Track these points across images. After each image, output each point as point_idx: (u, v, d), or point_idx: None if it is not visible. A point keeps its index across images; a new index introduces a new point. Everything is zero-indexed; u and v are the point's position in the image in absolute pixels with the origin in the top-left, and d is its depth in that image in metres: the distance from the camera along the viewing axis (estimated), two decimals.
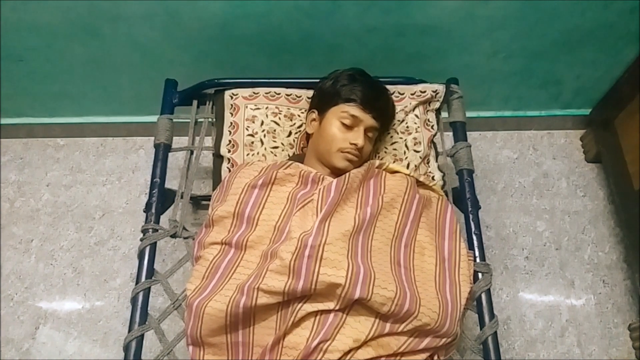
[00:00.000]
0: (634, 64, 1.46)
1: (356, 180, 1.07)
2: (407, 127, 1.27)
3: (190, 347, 0.99)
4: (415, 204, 1.09)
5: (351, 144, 1.10)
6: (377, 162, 1.14)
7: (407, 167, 1.24)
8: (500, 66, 1.49)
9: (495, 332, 1.06)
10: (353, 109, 1.10)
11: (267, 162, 1.17)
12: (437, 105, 1.31)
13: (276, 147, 1.25)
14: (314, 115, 1.17)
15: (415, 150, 1.26)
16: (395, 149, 1.25)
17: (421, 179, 1.18)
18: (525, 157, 1.75)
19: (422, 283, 1.00)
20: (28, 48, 1.42)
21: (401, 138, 1.26)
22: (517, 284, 1.56)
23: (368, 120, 1.11)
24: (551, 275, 1.57)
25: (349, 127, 1.11)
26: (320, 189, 1.04)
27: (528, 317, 1.51)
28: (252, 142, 1.25)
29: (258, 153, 1.24)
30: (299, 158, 1.21)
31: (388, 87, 1.27)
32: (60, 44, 1.41)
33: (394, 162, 1.24)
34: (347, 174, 1.06)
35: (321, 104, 1.16)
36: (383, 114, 1.15)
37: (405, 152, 1.25)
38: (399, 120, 1.26)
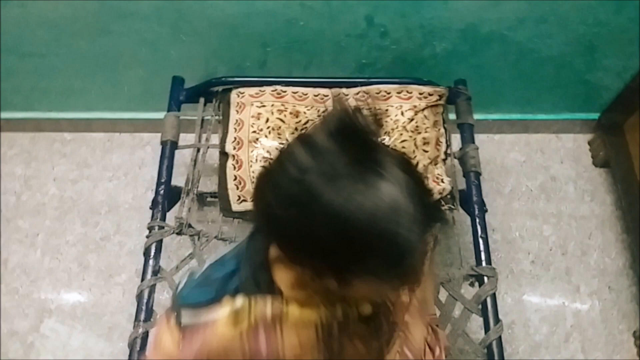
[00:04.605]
0: None
1: None
2: (417, 126, 1.26)
3: None
4: None
5: None
6: None
7: (417, 166, 1.22)
8: (510, 68, 1.48)
9: (500, 337, 1.06)
10: None
11: None
12: (442, 109, 1.31)
13: (281, 144, 1.25)
14: None
15: (424, 150, 1.25)
16: (404, 147, 1.24)
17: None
18: (533, 160, 1.74)
19: None
20: (36, 43, 1.42)
21: (410, 136, 1.25)
22: (522, 288, 1.55)
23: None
24: (557, 280, 1.56)
25: None
26: None
27: (532, 322, 1.50)
28: (257, 139, 1.25)
29: (263, 149, 1.24)
30: None
31: (395, 85, 1.28)
32: (69, 40, 1.41)
33: None
34: None
35: None
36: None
37: (414, 151, 1.24)
38: (408, 119, 1.25)
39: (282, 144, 1.22)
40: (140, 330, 1.04)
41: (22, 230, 1.63)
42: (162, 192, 1.21)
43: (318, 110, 1.28)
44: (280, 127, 1.26)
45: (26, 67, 1.51)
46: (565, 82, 1.54)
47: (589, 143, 1.75)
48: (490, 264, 1.14)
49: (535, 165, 1.73)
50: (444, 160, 1.28)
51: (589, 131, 1.74)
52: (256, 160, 1.22)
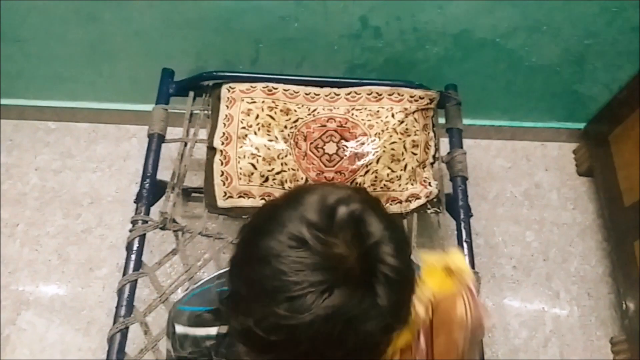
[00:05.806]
0: (632, 81, 1.47)
1: None
2: (407, 129, 1.26)
3: None
4: None
5: None
6: None
7: (405, 168, 1.22)
8: (500, 75, 1.49)
9: (481, 340, 1.07)
10: None
11: None
12: (432, 112, 1.31)
13: (270, 141, 1.24)
14: None
15: (413, 153, 1.25)
16: (393, 149, 1.24)
17: None
18: (518, 167, 1.76)
19: None
20: (26, 29, 1.39)
21: (400, 139, 1.25)
22: (503, 292, 1.56)
23: None
24: (537, 285, 1.58)
25: None
26: None
27: (512, 326, 1.52)
28: (246, 135, 1.24)
29: (251, 146, 1.23)
30: None
31: (386, 87, 1.28)
32: (57, 26, 1.38)
33: (391, 162, 1.22)
34: None
35: None
36: None
37: (403, 153, 1.24)
38: (399, 121, 1.25)
39: (272, 140, 1.22)
40: (120, 326, 1.02)
41: (2, 220, 1.60)
42: (147, 185, 1.19)
43: (308, 109, 1.28)
44: (270, 124, 1.25)
45: (12, 53, 1.48)
46: (554, 91, 1.56)
47: (574, 152, 1.77)
48: (473, 268, 1.14)
49: (520, 172, 1.75)
50: (432, 163, 1.28)
51: (575, 140, 1.77)
52: (244, 156, 1.21)
